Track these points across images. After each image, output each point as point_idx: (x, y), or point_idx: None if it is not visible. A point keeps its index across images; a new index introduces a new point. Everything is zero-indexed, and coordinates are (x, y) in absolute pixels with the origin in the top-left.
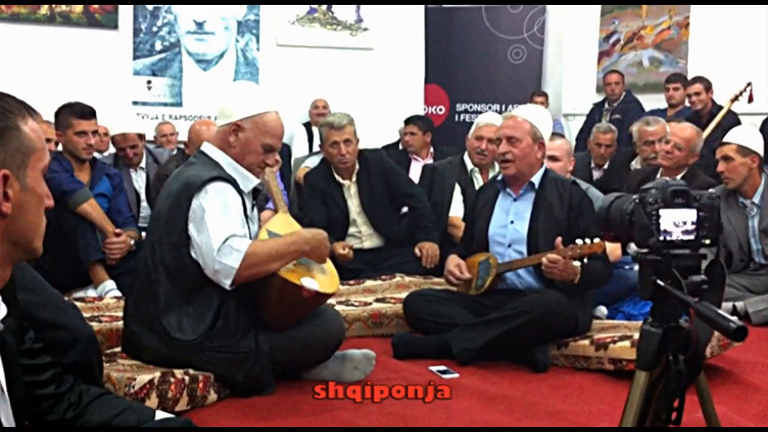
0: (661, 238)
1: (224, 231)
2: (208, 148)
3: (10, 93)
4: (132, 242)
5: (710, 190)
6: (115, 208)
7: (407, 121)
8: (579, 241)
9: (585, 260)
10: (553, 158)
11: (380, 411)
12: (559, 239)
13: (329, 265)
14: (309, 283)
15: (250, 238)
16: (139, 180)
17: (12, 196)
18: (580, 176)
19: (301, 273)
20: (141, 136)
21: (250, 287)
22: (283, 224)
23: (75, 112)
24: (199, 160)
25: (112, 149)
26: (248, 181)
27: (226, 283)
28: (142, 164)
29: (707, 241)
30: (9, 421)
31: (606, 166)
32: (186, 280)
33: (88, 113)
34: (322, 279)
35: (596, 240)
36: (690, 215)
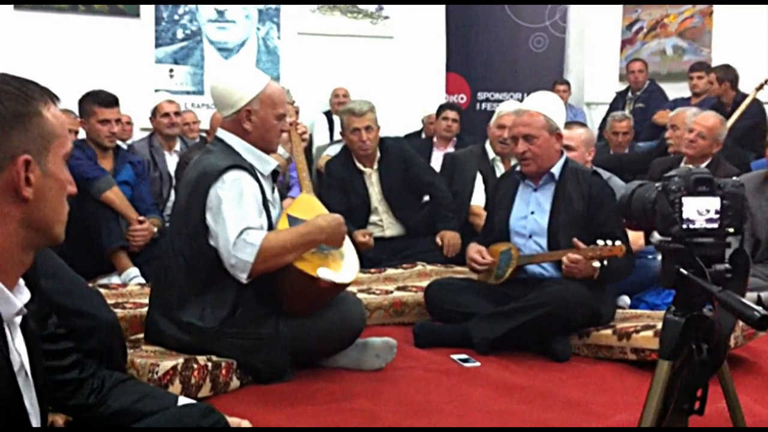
0: (684, 226)
1: (239, 223)
2: (223, 134)
3: (32, 79)
4: (155, 229)
5: (734, 178)
6: (138, 196)
7: (449, 107)
8: (600, 242)
9: (605, 262)
10: (568, 148)
11: (398, 399)
12: (576, 240)
13: (349, 250)
14: (325, 273)
15: (270, 223)
16: (172, 164)
17: (34, 181)
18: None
19: (318, 262)
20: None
21: (270, 276)
22: (305, 207)
23: (98, 101)
24: (217, 147)
25: (139, 134)
26: (267, 164)
27: (243, 277)
28: (177, 147)
29: (731, 230)
30: (33, 406)
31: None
32: (205, 269)
33: (111, 101)
34: (340, 267)
35: (617, 243)
36: (714, 203)
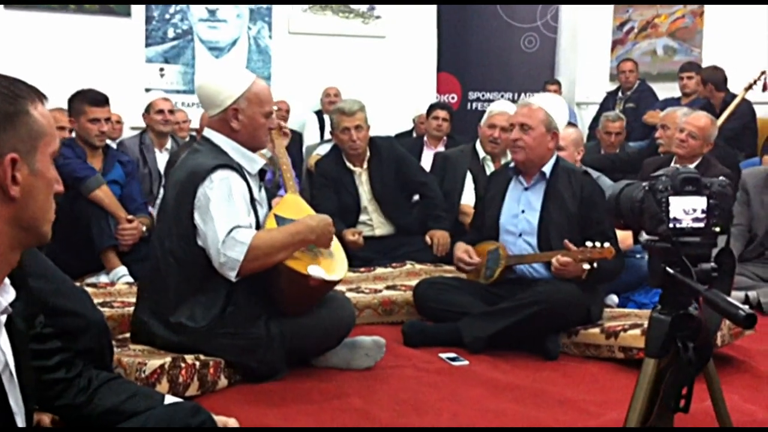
0: (671, 225)
1: (229, 222)
2: (211, 134)
3: (21, 78)
4: (144, 228)
5: (720, 178)
6: (128, 195)
7: (440, 107)
8: (589, 244)
9: (594, 264)
10: (557, 147)
11: (390, 398)
12: (567, 242)
13: (338, 248)
14: (315, 271)
15: (258, 222)
16: (163, 162)
17: (21, 180)
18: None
19: (307, 260)
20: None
21: (260, 275)
22: (292, 207)
23: (88, 100)
24: (204, 146)
25: (129, 134)
26: (254, 163)
27: (231, 275)
28: (167, 145)
29: (717, 229)
30: (18, 405)
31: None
32: (195, 270)
33: (102, 100)
34: (329, 265)
35: (606, 245)
36: (700, 203)
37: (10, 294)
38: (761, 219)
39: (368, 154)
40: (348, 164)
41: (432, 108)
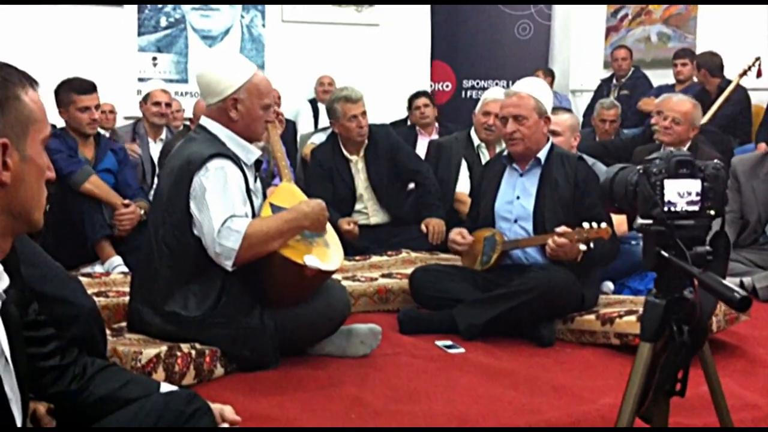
0: (665, 208)
1: (224, 212)
2: (207, 122)
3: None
4: (141, 212)
5: (715, 161)
6: (123, 182)
7: (417, 95)
8: (586, 225)
9: (591, 245)
10: (554, 133)
11: (385, 385)
12: (564, 227)
13: (333, 237)
14: (311, 261)
15: (254, 212)
16: (157, 151)
17: (11, 166)
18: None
19: (303, 249)
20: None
21: (255, 266)
22: (287, 195)
23: (75, 88)
24: (200, 135)
25: (123, 123)
26: (250, 153)
27: (228, 265)
28: (162, 136)
29: (712, 212)
30: (14, 392)
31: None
32: (189, 259)
33: (89, 88)
34: (325, 254)
35: (603, 225)
36: (695, 186)
37: (4, 281)
38: (752, 205)
39: (366, 141)
40: (345, 153)
41: (412, 99)
